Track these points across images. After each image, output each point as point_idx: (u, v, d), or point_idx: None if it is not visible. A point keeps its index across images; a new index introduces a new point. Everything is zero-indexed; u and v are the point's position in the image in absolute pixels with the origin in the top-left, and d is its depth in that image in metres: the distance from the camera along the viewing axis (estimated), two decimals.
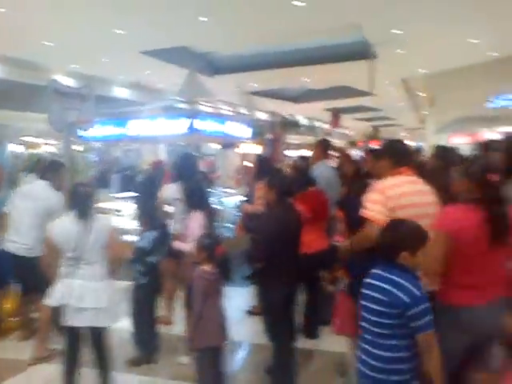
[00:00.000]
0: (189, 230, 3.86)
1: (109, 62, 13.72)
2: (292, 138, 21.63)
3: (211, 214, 3.99)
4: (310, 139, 20.24)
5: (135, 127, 7.78)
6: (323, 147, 5.14)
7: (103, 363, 3.50)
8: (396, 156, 3.08)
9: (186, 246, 3.86)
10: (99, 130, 7.86)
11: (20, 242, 4.13)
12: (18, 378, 3.94)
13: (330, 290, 3.53)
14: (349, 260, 3.08)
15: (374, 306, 2.25)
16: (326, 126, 24.60)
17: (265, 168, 4.56)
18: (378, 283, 2.29)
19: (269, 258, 3.35)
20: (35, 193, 4.23)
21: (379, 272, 2.33)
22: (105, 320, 3.39)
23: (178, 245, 3.96)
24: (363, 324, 2.33)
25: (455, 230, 2.40)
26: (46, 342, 4.19)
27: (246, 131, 9.36)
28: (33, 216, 4.10)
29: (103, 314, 3.34)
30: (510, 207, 2.53)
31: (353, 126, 29.85)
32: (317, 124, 26.81)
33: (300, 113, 23.98)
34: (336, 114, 20.31)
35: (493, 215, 2.42)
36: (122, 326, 4.52)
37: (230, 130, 8.60)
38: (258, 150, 13.41)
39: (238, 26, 10.99)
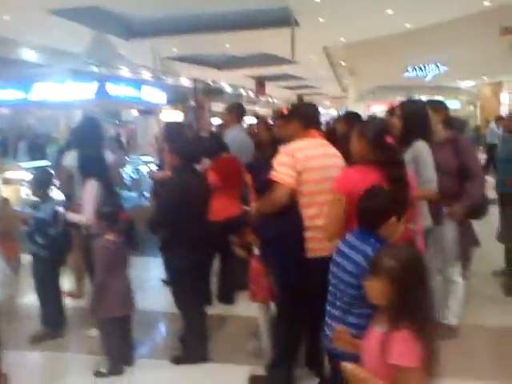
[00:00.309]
0: (83, 199, 3.66)
1: (13, 20, 12.59)
2: (218, 106, 21.35)
3: (109, 183, 3.77)
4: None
5: (40, 91, 7.21)
6: (236, 112, 5.02)
7: None
8: (304, 118, 3.05)
9: (80, 217, 3.67)
10: None
11: None
12: None
13: (242, 256, 3.48)
14: (258, 224, 3.05)
15: (344, 276, 2.11)
16: (251, 94, 24.53)
17: (173, 135, 4.39)
18: (348, 252, 2.13)
19: (171, 225, 3.26)
20: None
21: (352, 240, 2.16)
22: None
23: (71, 216, 3.75)
24: (333, 290, 2.20)
25: (353, 191, 2.42)
26: None
27: (161, 97, 9.01)
28: None
29: None
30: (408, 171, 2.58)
31: (277, 95, 30.01)
32: (242, 92, 26.65)
33: (225, 80, 23.66)
34: (260, 81, 20.25)
35: (391, 177, 2.43)
36: (28, 301, 4.31)
37: (144, 95, 8.23)
38: (180, 117, 13.07)
39: None
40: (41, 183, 3.86)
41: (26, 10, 11.66)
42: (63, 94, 7.04)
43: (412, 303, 1.67)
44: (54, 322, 3.92)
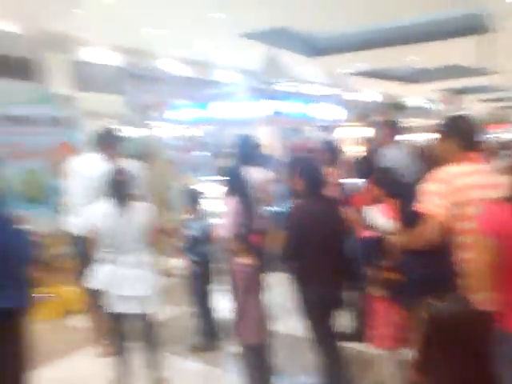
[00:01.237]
0: (224, 216, 3.64)
1: (210, 46, 13.98)
2: (406, 122, 20.21)
3: (249, 201, 3.65)
4: (426, 122, 18.76)
5: (218, 109, 7.71)
6: (391, 129, 4.49)
7: (150, 349, 3.43)
8: (464, 137, 2.53)
9: (223, 232, 3.65)
10: (182, 112, 7.94)
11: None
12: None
13: (376, 294, 3.01)
14: (402, 261, 2.62)
15: None
16: (443, 108, 22.71)
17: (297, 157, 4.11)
18: None
19: (299, 255, 2.98)
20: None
21: None
22: (147, 307, 3.30)
23: (216, 232, 3.76)
24: None
25: (503, 234, 1.87)
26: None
27: (339, 113, 8.79)
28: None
29: (145, 302, 3.27)
30: None
31: (476, 108, 27.25)
32: (430, 106, 24.87)
33: (412, 94, 22.40)
34: (452, 94, 18.58)
35: None
36: (183, 312, 4.46)
37: (319, 112, 8.12)
38: (362, 133, 12.64)
39: (339, 4, 10.45)
40: (191, 200, 4.00)
41: (221, 36, 12.86)
42: (240, 112, 7.40)
43: None
44: (207, 334, 3.99)
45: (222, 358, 3.91)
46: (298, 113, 7.74)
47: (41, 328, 4.22)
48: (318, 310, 3.03)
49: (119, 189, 3.20)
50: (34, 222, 4.58)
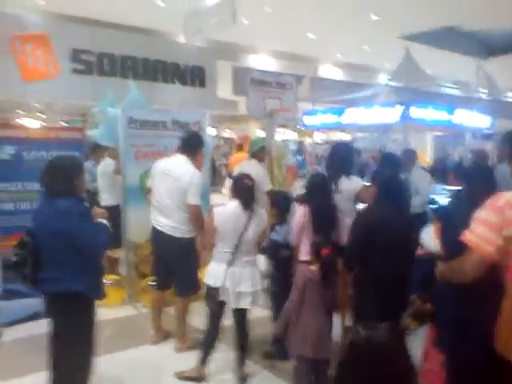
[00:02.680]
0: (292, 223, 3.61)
1: (369, 49, 13.67)
2: None
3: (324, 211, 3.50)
4: None
5: (350, 115, 7.54)
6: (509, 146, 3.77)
7: (243, 343, 3.63)
8: None
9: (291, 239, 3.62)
10: (318, 118, 7.95)
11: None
12: None
13: (408, 326, 2.66)
14: (438, 294, 2.29)
15: None
16: None
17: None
18: None
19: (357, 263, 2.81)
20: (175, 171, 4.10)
21: None
22: (250, 302, 3.53)
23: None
24: None
25: None
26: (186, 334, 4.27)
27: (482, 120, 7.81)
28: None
29: (251, 297, 3.51)
30: None
31: None
32: None
33: None
34: None
35: None
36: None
37: (457, 118, 7.37)
38: None
39: None
40: (283, 207, 4.04)
41: (379, 38, 12.46)
42: (370, 118, 7.15)
43: None
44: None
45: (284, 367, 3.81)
46: (432, 119, 7.11)
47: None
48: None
49: (247, 193, 3.50)
50: None
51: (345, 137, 13.12)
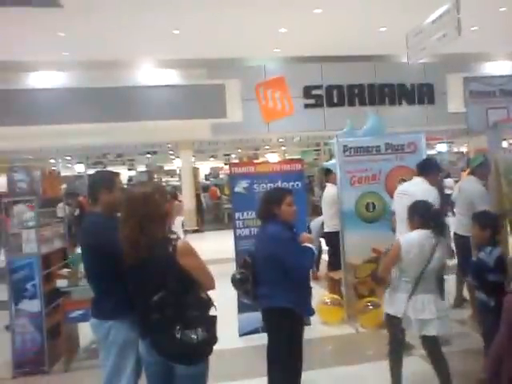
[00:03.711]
0: None
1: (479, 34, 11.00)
2: None
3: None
4: None
5: None
6: None
7: (440, 369, 3.55)
8: None
9: None
10: None
11: None
12: None
13: None
14: None
15: None
16: None
17: None
18: None
19: None
20: (411, 190, 4.47)
21: None
22: (441, 329, 3.46)
23: None
24: None
25: None
26: None
27: None
28: None
29: (437, 324, 3.44)
30: None
31: None
32: None
33: None
34: None
35: None
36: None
37: None
38: None
39: None
40: (495, 227, 3.73)
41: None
42: None
43: None
44: None
45: None
46: None
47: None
48: None
49: (437, 219, 3.49)
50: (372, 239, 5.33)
51: None
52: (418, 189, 4.39)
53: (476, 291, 3.79)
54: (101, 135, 12.77)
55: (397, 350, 3.62)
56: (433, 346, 3.50)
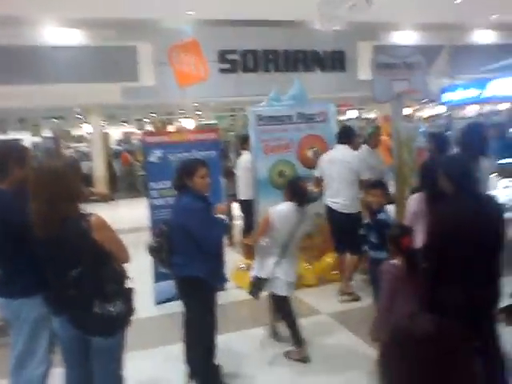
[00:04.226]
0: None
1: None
2: None
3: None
4: None
5: (493, 88, 6.85)
6: None
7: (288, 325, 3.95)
8: None
9: None
10: (457, 94, 7.40)
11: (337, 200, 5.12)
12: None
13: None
14: None
15: None
16: None
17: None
18: None
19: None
20: (339, 156, 5.12)
21: None
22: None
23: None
24: None
25: None
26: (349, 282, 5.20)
27: None
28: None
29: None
30: None
31: None
32: None
33: None
34: None
35: None
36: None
37: None
38: None
39: None
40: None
41: None
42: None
43: None
44: None
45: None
46: None
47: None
48: None
49: (301, 193, 3.87)
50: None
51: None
52: (345, 154, 5.13)
53: (372, 251, 4.05)
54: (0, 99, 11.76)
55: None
56: (282, 304, 3.89)
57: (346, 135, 5.35)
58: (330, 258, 5.77)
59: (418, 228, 3.36)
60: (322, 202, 5.29)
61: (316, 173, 5.35)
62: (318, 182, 5.32)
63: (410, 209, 3.47)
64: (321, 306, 4.99)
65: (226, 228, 3.47)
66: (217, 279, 3.42)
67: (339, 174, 5.09)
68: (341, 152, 5.18)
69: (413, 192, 3.85)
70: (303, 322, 4.14)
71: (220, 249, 3.58)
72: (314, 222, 5.64)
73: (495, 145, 9.55)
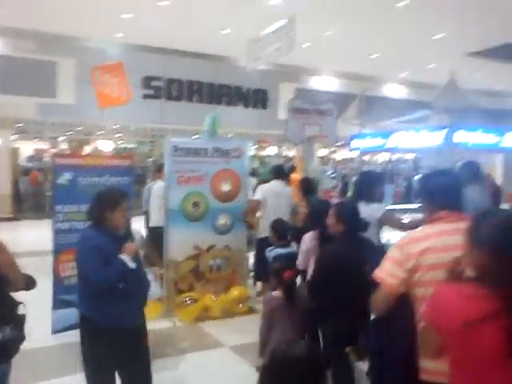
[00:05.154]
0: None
1: (435, 67, 13.42)
2: None
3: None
4: None
5: (396, 139, 7.53)
6: None
7: None
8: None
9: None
10: (364, 141, 8.03)
11: None
12: None
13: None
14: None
15: None
16: None
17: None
18: None
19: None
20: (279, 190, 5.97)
21: None
22: None
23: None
24: None
25: (445, 324, 1.65)
26: None
27: None
28: None
29: None
30: None
31: None
32: None
33: None
34: None
35: None
36: None
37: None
38: None
39: None
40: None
41: (445, 56, 12.27)
42: (413, 141, 7.13)
43: None
44: None
45: None
46: (476, 143, 6.83)
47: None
48: None
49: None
50: (195, 237, 5.64)
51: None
52: (283, 189, 6.05)
53: None
54: None
55: None
56: None
57: (282, 172, 6.34)
58: (236, 291, 5.85)
59: (310, 265, 3.60)
60: (229, 234, 5.47)
61: (256, 196, 6.00)
62: (258, 204, 5.92)
63: (303, 247, 3.68)
64: (224, 339, 5.03)
65: (124, 271, 2.95)
66: (107, 319, 2.98)
67: (278, 206, 5.80)
68: (280, 186, 6.03)
69: (303, 231, 4.04)
70: (206, 354, 4.15)
71: (118, 288, 3.01)
72: (223, 254, 5.76)
73: (391, 191, 10.41)
